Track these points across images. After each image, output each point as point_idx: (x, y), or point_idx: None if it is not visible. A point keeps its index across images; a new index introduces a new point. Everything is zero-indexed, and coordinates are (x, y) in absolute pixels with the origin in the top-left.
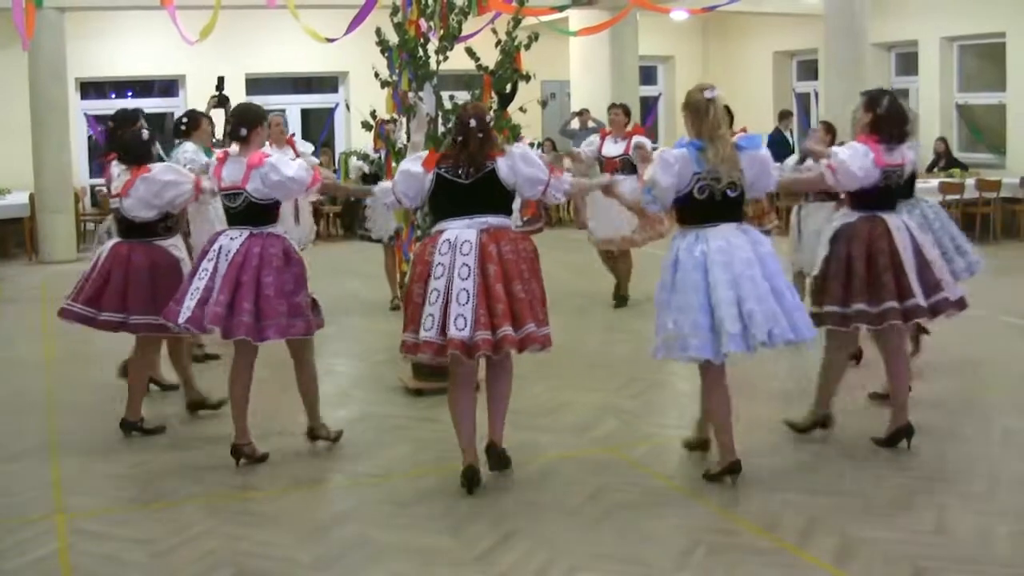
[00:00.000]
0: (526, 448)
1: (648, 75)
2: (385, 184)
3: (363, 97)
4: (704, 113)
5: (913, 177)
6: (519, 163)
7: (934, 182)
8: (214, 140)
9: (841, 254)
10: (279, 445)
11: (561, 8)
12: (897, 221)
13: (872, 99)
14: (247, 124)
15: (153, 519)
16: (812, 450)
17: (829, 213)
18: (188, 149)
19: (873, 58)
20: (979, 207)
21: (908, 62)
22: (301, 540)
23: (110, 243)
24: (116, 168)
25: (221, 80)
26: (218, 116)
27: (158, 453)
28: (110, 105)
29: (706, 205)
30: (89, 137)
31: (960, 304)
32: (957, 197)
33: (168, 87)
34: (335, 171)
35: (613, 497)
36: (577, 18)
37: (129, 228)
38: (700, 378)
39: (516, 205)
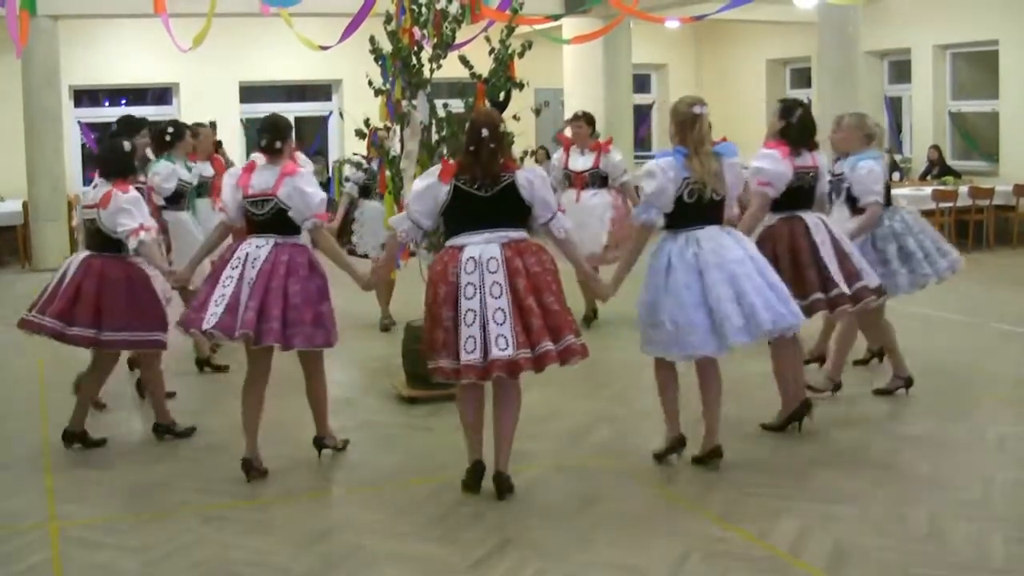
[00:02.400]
0: (520, 456)
1: (642, 83)
2: (398, 216)
3: (357, 105)
4: (690, 127)
5: (887, 187)
6: (539, 182)
7: (927, 189)
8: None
9: (767, 256)
10: (273, 453)
11: (555, 17)
12: (814, 219)
13: (787, 108)
14: (281, 137)
15: (146, 528)
16: (806, 458)
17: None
18: (161, 170)
19: (866, 66)
20: (972, 214)
21: (901, 70)
22: (294, 549)
23: (80, 255)
24: (98, 181)
25: (213, 124)
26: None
27: (151, 462)
28: (104, 113)
29: (695, 208)
30: (83, 145)
31: (879, 291)
32: (951, 204)
33: (162, 95)
34: (329, 179)
35: (607, 505)
36: (571, 26)
37: (104, 241)
38: (697, 371)
39: None
